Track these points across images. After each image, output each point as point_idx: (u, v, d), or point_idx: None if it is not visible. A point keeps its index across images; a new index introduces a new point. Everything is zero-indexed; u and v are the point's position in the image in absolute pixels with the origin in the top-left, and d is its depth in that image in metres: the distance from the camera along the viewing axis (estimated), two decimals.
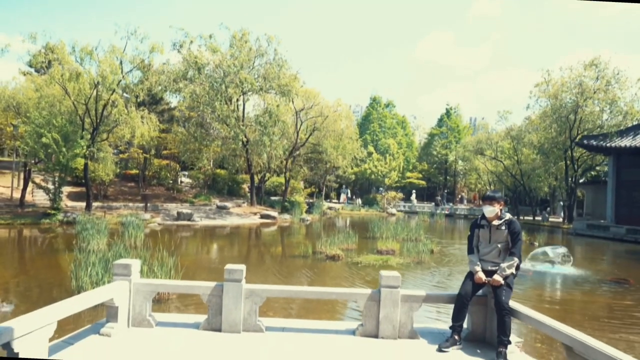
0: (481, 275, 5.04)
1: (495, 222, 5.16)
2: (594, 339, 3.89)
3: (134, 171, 34.53)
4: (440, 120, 68.95)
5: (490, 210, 5.21)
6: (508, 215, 5.22)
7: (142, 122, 24.89)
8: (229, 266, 5.27)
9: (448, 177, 66.33)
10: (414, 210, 47.87)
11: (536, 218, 40.47)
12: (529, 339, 7.15)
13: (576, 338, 3.97)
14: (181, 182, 38.30)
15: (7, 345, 3.61)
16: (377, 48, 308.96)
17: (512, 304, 4.91)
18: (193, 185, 37.97)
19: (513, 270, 5.00)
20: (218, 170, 38.37)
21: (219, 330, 5.19)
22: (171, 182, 35.11)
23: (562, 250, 14.53)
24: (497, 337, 4.78)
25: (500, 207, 5.25)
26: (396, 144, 60.67)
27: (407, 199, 54.74)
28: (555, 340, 5.62)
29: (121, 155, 32.91)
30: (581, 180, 37.82)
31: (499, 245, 5.10)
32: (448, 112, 68.35)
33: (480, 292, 5.20)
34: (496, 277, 4.93)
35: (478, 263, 5.15)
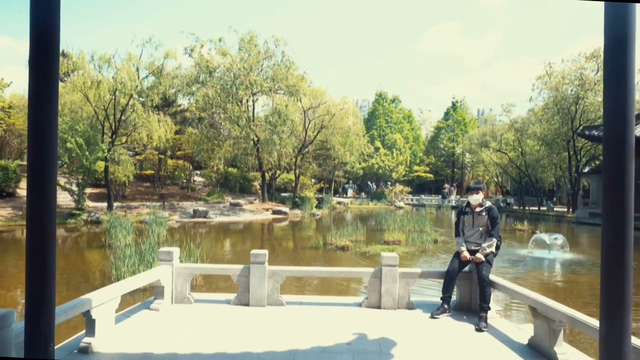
0: (466, 254, 6.00)
1: (478, 209, 6.12)
2: (552, 301, 4.85)
3: (149, 172, 35.81)
4: (447, 113, 69.59)
5: (475, 199, 6.17)
6: (488, 203, 6.19)
7: (159, 125, 26.14)
8: (254, 251, 6.29)
9: (455, 170, 66.98)
10: (422, 202, 48.73)
11: (541, 208, 41.15)
12: (518, 313, 8.10)
13: (539, 301, 4.92)
14: (194, 181, 39.53)
15: (87, 313, 4.64)
16: (383, 42, 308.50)
17: (492, 277, 5.87)
18: (206, 184, 39.20)
19: (493, 249, 5.96)
20: (230, 169, 39.57)
21: (247, 304, 6.21)
22: (185, 181, 36.33)
23: (558, 236, 15.40)
24: (479, 305, 5.75)
25: (482, 196, 6.23)
26: (402, 139, 61.43)
27: (414, 192, 55.57)
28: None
29: (137, 157, 34.20)
30: (585, 170, 38.41)
31: (481, 229, 6.06)
32: (454, 105, 68.97)
33: (466, 268, 6.17)
34: (478, 255, 5.89)
35: (463, 244, 6.12)
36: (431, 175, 64.16)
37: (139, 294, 8.27)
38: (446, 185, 56.60)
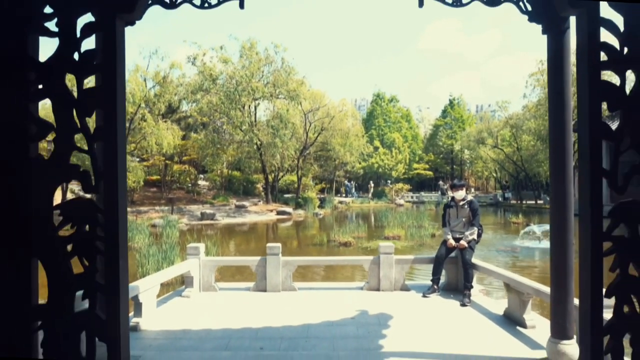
0: (451, 242, 6.99)
1: (461, 203, 7.11)
2: (521, 277, 5.83)
3: (156, 177, 36.80)
4: (444, 111, 70.54)
5: (460, 194, 7.17)
6: (469, 197, 7.19)
7: (167, 132, 27.19)
8: (269, 244, 7.29)
9: (455, 167, 67.84)
10: (422, 199, 49.67)
11: (538, 201, 42.06)
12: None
13: (510, 277, 5.90)
14: (199, 185, 40.53)
15: (135, 297, 5.60)
16: (383, 40, 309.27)
17: (473, 260, 6.86)
18: (210, 188, 40.20)
19: (474, 237, 6.94)
20: (234, 172, 40.59)
21: (265, 290, 7.19)
22: (191, 185, 37.33)
23: (547, 227, 16.32)
24: (463, 285, 6.73)
25: (465, 192, 7.23)
26: (401, 138, 62.29)
27: (414, 190, 56.48)
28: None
29: (144, 163, 35.19)
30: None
31: (463, 219, 7.04)
32: (451, 103, 69.91)
33: (452, 254, 7.14)
34: (462, 242, 6.88)
35: (449, 233, 7.10)
36: (431, 173, 65.04)
37: (163, 289, 9.22)
38: (440, 182, 57.63)
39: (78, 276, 1.70)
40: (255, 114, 34.73)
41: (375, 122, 65.24)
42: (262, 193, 37.92)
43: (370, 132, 60.53)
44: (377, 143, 56.02)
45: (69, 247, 1.70)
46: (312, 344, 4.92)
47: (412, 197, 51.81)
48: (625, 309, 1.66)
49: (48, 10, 1.68)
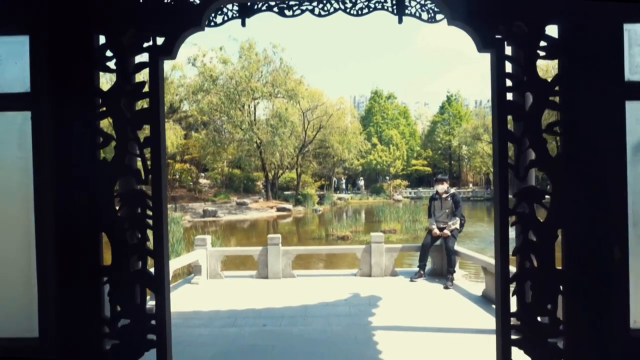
0: (436, 231, 7.66)
1: (444, 195, 7.79)
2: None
3: None
4: (442, 107, 71.13)
5: (441, 188, 7.86)
6: (452, 190, 7.89)
7: (169, 132, 27.90)
8: (270, 235, 7.97)
9: (453, 162, 68.46)
10: (420, 195, 50.34)
11: None
12: None
13: (486, 261, 6.58)
14: (200, 183, 41.18)
15: None
16: (382, 39, 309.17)
17: (455, 247, 7.54)
18: (211, 186, 40.87)
19: (457, 226, 7.61)
20: (234, 170, 41.28)
21: (266, 277, 7.87)
22: (192, 183, 38.02)
23: None
24: (447, 270, 7.41)
25: (447, 185, 7.92)
26: (399, 134, 62.85)
27: (413, 185, 57.11)
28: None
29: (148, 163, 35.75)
30: None
31: (447, 211, 7.72)
32: (449, 99, 70.48)
33: (437, 242, 7.82)
34: (445, 231, 7.55)
35: (434, 223, 7.78)
36: (429, 169, 65.60)
37: (173, 278, 9.91)
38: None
39: (133, 244, 2.37)
40: (254, 113, 35.41)
41: (373, 119, 65.82)
42: (263, 190, 38.63)
43: (369, 129, 61.13)
44: (375, 140, 56.65)
45: (126, 224, 2.39)
46: (309, 321, 5.58)
47: (410, 192, 52.49)
48: (527, 264, 2.32)
49: (109, 53, 2.37)
